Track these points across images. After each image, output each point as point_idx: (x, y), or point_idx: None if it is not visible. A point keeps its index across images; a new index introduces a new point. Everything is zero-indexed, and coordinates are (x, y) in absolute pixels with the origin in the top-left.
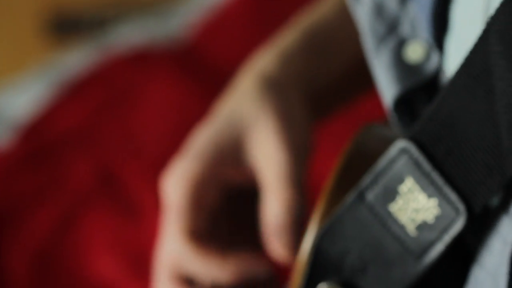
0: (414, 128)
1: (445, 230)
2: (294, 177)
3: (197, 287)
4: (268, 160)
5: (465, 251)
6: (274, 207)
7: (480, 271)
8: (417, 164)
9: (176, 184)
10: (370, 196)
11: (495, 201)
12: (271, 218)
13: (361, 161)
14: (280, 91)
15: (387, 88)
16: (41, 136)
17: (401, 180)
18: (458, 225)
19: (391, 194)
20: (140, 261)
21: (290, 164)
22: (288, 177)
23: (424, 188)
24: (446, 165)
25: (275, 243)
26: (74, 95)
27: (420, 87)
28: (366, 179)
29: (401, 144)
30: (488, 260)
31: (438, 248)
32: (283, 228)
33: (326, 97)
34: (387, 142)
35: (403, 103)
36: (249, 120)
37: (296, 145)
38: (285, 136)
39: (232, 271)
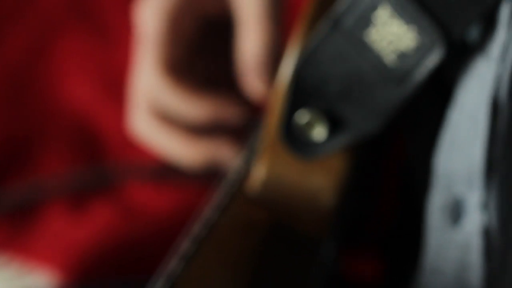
0: None
1: (423, 58)
2: (271, 12)
3: (172, 123)
4: None
5: (444, 92)
6: (250, 43)
7: (458, 112)
8: None
9: (152, 13)
10: (346, 23)
11: (472, 37)
12: (247, 53)
13: None
14: None
15: None
16: None
17: (376, 7)
18: (436, 55)
19: (366, 21)
20: (113, 85)
21: None
22: (265, 11)
23: (401, 15)
24: None
25: (251, 79)
26: None
27: None
28: (341, 6)
29: None
30: (465, 101)
31: (417, 77)
32: (259, 63)
33: None
34: None
35: None
36: None
37: None
38: None
39: (207, 109)
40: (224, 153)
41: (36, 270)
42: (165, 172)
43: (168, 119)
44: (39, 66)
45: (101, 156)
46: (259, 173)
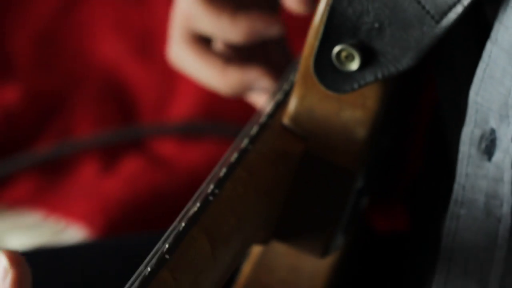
0: None
1: None
2: None
3: (211, 46)
4: None
5: (481, 29)
6: None
7: (495, 48)
8: None
9: None
10: None
11: None
12: None
13: None
14: None
15: None
16: None
17: None
18: None
19: None
20: (144, 41)
21: None
22: None
23: None
24: None
25: None
26: None
27: None
28: None
29: None
30: (504, 37)
31: (457, 10)
32: None
33: None
34: None
35: None
36: None
37: None
38: None
39: (244, 28)
40: (258, 81)
41: (71, 225)
42: (191, 128)
43: (206, 47)
44: (69, 23)
45: (131, 114)
46: (293, 105)
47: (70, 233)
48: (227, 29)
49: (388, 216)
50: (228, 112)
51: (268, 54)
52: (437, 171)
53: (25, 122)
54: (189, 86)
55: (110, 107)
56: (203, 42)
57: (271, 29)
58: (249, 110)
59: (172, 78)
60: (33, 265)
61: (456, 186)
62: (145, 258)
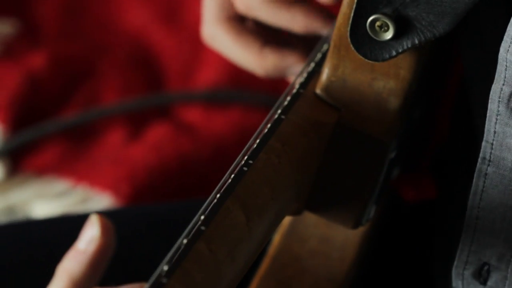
0: None
1: None
2: None
3: (247, 26)
4: None
5: None
6: None
7: None
8: None
9: None
10: None
11: None
12: None
13: None
14: None
15: None
16: None
17: None
18: None
19: None
20: (170, 8)
21: None
22: None
23: None
24: None
25: None
26: None
27: None
28: None
29: None
30: None
31: None
32: None
33: None
34: None
35: None
36: None
37: None
38: None
39: (301, 22)
40: (295, 67)
41: (97, 193)
42: (217, 96)
43: (242, 27)
44: None
45: (158, 81)
46: (326, 75)
47: (97, 201)
48: (285, 21)
49: (416, 186)
50: (254, 80)
51: (306, 39)
52: (463, 140)
53: (52, 89)
54: (215, 54)
55: (136, 74)
56: (239, 22)
57: (326, 28)
58: (275, 79)
59: (199, 45)
60: (60, 232)
61: (484, 144)
62: (173, 226)
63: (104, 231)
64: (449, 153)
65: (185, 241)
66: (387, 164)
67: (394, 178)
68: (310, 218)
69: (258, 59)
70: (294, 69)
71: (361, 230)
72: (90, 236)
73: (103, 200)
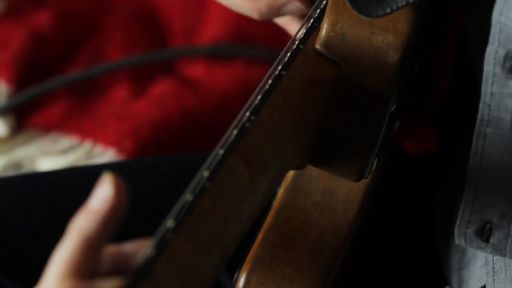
0: None
1: None
2: None
3: None
4: None
5: None
6: None
7: None
8: None
9: None
10: None
11: None
12: None
13: None
14: None
15: None
16: None
17: None
18: None
19: None
20: None
21: None
22: None
23: None
24: None
25: None
26: None
27: None
28: None
29: None
30: None
31: None
32: None
33: None
34: None
35: None
36: None
37: None
38: None
39: None
40: (288, 5)
41: (102, 150)
42: (219, 51)
43: None
44: None
45: (162, 38)
46: (325, 30)
47: (101, 157)
48: None
49: (417, 138)
50: (256, 35)
51: None
52: (464, 93)
53: (56, 47)
54: (218, 10)
55: (140, 31)
56: None
57: None
58: (276, 33)
59: (202, 2)
60: (67, 184)
61: (481, 105)
62: (179, 177)
63: (118, 190)
64: (451, 106)
65: (190, 197)
66: (388, 117)
67: (396, 130)
68: (313, 171)
69: (251, 1)
70: (288, 7)
71: (363, 182)
72: (103, 195)
73: (107, 156)
